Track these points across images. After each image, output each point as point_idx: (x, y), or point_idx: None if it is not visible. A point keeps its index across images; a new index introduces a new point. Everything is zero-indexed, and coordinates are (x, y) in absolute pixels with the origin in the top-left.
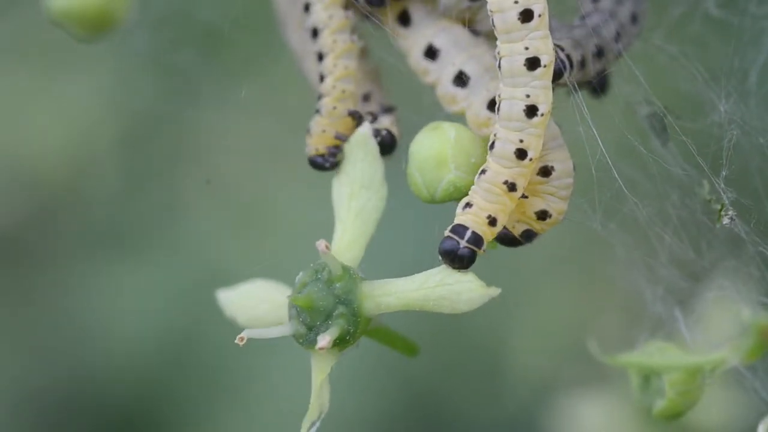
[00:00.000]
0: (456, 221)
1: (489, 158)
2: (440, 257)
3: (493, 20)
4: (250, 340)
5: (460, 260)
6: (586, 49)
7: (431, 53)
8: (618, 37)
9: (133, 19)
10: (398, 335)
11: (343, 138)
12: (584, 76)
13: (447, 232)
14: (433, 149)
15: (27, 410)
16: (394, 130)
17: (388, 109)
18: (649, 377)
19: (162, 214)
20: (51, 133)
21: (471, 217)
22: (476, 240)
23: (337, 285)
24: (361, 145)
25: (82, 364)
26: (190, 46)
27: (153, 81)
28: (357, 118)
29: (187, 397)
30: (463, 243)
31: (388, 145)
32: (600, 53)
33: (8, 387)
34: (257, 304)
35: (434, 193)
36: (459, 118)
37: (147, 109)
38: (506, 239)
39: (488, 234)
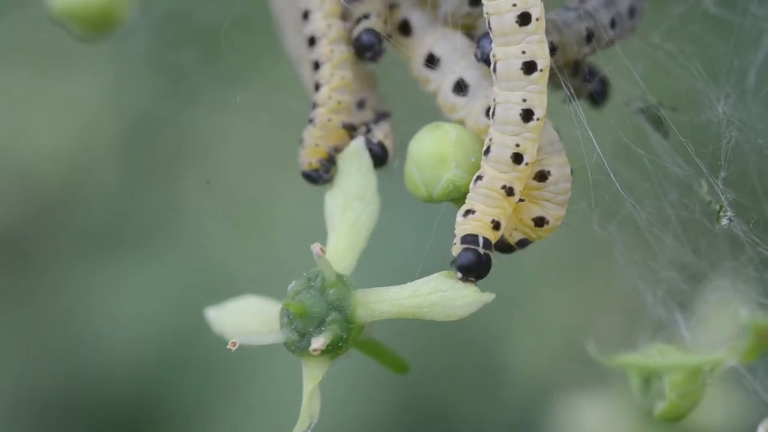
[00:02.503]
0: (459, 230)
1: (484, 163)
2: (459, 273)
3: (489, 23)
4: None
5: (481, 271)
6: (564, 33)
7: (432, 61)
8: (613, 24)
9: (133, 19)
10: (389, 351)
11: (336, 152)
12: (568, 57)
13: (459, 246)
14: (434, 147)
15: (27, 410)
16: (387, 142)
17: (382, 115)
18: (649, 379)
19: (161, 214)
20: (51, 133)
21: (477, 224)
22: (489, 244)
23: (331, 291)
24: (355, 157)
25: (81, 365)
26: (190, 47)
27: (153, 81)
28: (351, 131)
29: (186, 397)
30: (481, 251)
31: (379, 158)
32: (590, 36)
33: (8, 387)
34: (245, 320)
35: (432, 192)
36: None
37: (146, 110)
38: (500, 245)
39: (493, 238)
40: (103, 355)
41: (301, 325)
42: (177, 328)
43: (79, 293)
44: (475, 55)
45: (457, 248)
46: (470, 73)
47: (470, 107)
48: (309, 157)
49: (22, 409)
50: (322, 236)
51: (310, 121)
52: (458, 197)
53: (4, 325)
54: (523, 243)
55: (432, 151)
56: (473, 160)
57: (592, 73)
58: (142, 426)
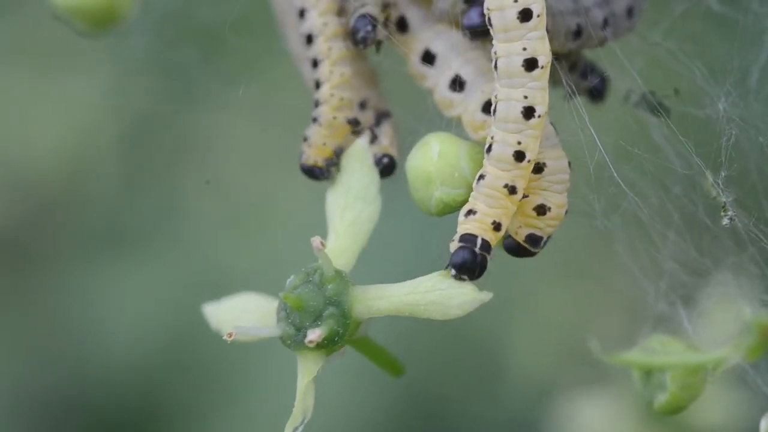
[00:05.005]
0: (460, 230)
1: (486, 162)
2: (453, 270)
3: (490, 19)
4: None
5: (475, 270)
6: (556, 21)
7: (429, 58)
8: (606, 23)
9: (136, 16)
10: (384, 351)
11: (341, 152)
12: (552, 47)
13: (457, 243)
14: (419, 169)
15: (27, 410)
16: (392, 150)
17: (384, 115)
18: (650, 371)
19: (162, 214)
20: (51, 132)
21: (476, 225)
22: (487, 246)
23: (329, 286)
24: (358, 156)
25: (82, 364)
26: (190, 46)
27: (153, 81)
28: (355, 126)
29: (186, 397)
30: (477, 251)
31: (389, 169)
32: (578, 33)
33: (8, 387)
34: (243, 316)
35: (429, 209)
36: (456, 123)
37: (146, 110)
38: (514, 248)
39: (493, 240)
40: (103, 355)
41: (297, 319)
42: (177, 328)
43: (79, 293)
44: (463, 25)
45: (454, 245)
46: (467, 69)
47: (467, 103)
48: (315, 155)
49: (22, 409)
50: (321, 236)
51: (314, 119)
52: (455, 210)
53: (4, 325)
54: (532, 239)
55: (420, 171)
56: (457, 175)
57: (592, 70)
58: (143, 425)
